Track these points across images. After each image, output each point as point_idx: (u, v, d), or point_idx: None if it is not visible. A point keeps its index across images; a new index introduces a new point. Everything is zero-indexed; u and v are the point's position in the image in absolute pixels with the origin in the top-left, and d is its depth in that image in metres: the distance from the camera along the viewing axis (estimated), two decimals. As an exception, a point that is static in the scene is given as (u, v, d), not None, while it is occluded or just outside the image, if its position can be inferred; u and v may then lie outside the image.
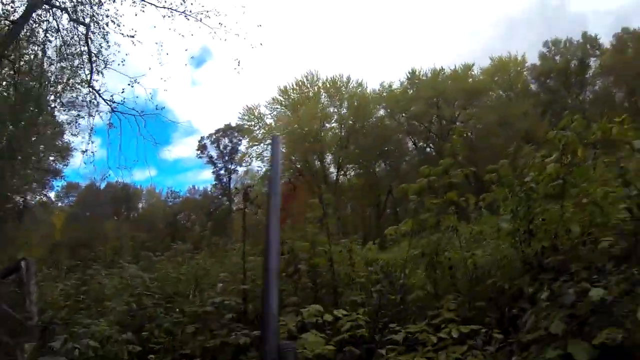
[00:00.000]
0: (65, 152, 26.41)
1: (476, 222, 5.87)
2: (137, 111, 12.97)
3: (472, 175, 8.18)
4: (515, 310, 4.03)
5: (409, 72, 45.06)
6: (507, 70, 44.79)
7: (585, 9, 58.28)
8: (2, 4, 11.48)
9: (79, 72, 12.89)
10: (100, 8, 12.28)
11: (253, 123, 46.44)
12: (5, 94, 13.26)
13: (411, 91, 44.73)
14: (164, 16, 12.88)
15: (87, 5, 12.21)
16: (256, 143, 45.64)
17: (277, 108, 46.49)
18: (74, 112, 14.01)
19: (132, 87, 12.86)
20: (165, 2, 12.80)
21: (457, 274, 5.10)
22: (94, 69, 12.71)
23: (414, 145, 47.02)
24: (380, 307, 5.09)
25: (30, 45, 12.47)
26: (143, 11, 12.57)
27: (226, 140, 52.37)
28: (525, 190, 4.69)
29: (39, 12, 11.95)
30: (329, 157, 45.92)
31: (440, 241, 5.20)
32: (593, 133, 4.49)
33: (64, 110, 14.28)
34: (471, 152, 32.26)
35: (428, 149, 45.37)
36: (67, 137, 20.88)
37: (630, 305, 3.06)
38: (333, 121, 46.12)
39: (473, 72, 45.00)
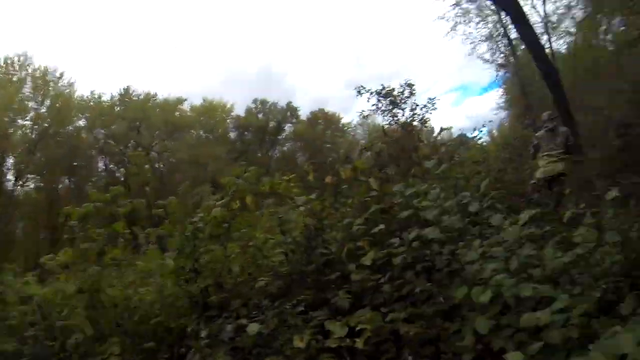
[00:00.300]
0: None
1: (143, 258, 5.70)
2: None
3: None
4: (184, 349, 4.09)
5: (123, 89, 42.58)
6: (214, 114, 47.43)
7: (299, 85, 68.00)
8: None
9: None
10: None
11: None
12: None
13: (118, 108, 42.34)
14: None
15: None
16: None
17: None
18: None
19: None
20: None
21: (122, 313, 4.77)
22: None
23: (104, 167, 43.71)
24: (37, 356, 4.43)
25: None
26: None
27: None
28: (193, 230, 4.90)
29: None
30: (10, 161, 36.94)
31: (102, 276, 4.87)
32: (263, 185, 5.19)
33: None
34: (161, 184, 32.41)
35: (118, 174, 42.67)
36: None
37: (287, 335, 3.55)
38: (27, 118, 37.52)
39: (183, 107, 45.77)
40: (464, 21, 22.04)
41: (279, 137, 50.55)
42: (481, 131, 13.06)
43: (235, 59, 68.05)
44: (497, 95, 26.13)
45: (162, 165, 40.51)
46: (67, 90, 39.48)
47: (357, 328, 3.34)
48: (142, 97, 42.68)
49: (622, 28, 14.72)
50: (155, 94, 43.22)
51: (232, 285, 4.65)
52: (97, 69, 66.20)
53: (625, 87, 10.17)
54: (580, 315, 2.77)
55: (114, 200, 5.07)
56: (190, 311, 4.50)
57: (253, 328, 3.54)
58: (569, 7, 19.63)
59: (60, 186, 40.07)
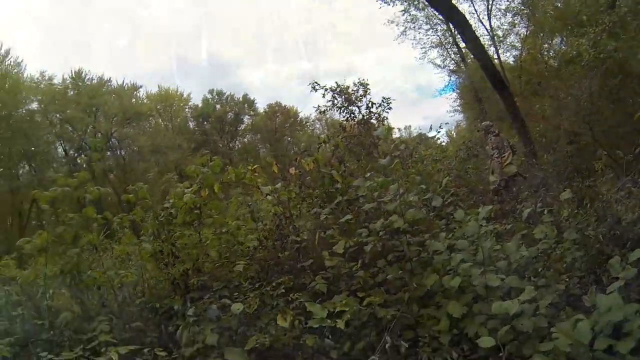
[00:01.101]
0: None
1: (120, 242, 5.82)
2: None
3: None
4: (172, 328, 4.17)
5: (75, 71, 40.71)
6: (171, 103, 46.51)
7: (251, 78, 66.52)
8: None
9: None
10: None
11: None
12: None
13: (72, 92, 40.49)
14: None
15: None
16: None
17: None
18: None
19: None
20: None
21: (106, 294, 4.86)
22: None
23: (64, 153, 41.91)
24: (27, 334, 4.32)
25: None
26: None
27: None
28: (165, 216, 5.05)
29: None
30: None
31: (81, 259, 4.84)
32: (228, 175, 5.32)
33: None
34: (124, 172, 31.63)
35: (79, 160, 40.89)
36: None
37: (271, 315, 3.75)
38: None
39: (139, 94, 44.60)
40: (414, 27, 22.69)
41: (238, 128, 50.19)
42: (438, 131, 13.56)
43: (185, 46, 66.04)
44: (452, 99, 26.80)
45: (123, 153, 39.33)
46: (15, 71, 36.61)
47: (337, 310, 3.54)
48: (95, 81, 41.05)
49: (562, 47, 15.66)
50: (110, 79, 41.71)
51: (211, 269, 4.80)
52: (39, 48, 62.16)
53: (569, 99, 10.94)
54: (547, 305, 3.06)
55: (81, 186, 4.94)
56: (173, 292, 4.64)
57: (237, 307, 3.69)
58: (513, 25, 20.61)
59: (21, 172, 38.20)
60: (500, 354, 2.96)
